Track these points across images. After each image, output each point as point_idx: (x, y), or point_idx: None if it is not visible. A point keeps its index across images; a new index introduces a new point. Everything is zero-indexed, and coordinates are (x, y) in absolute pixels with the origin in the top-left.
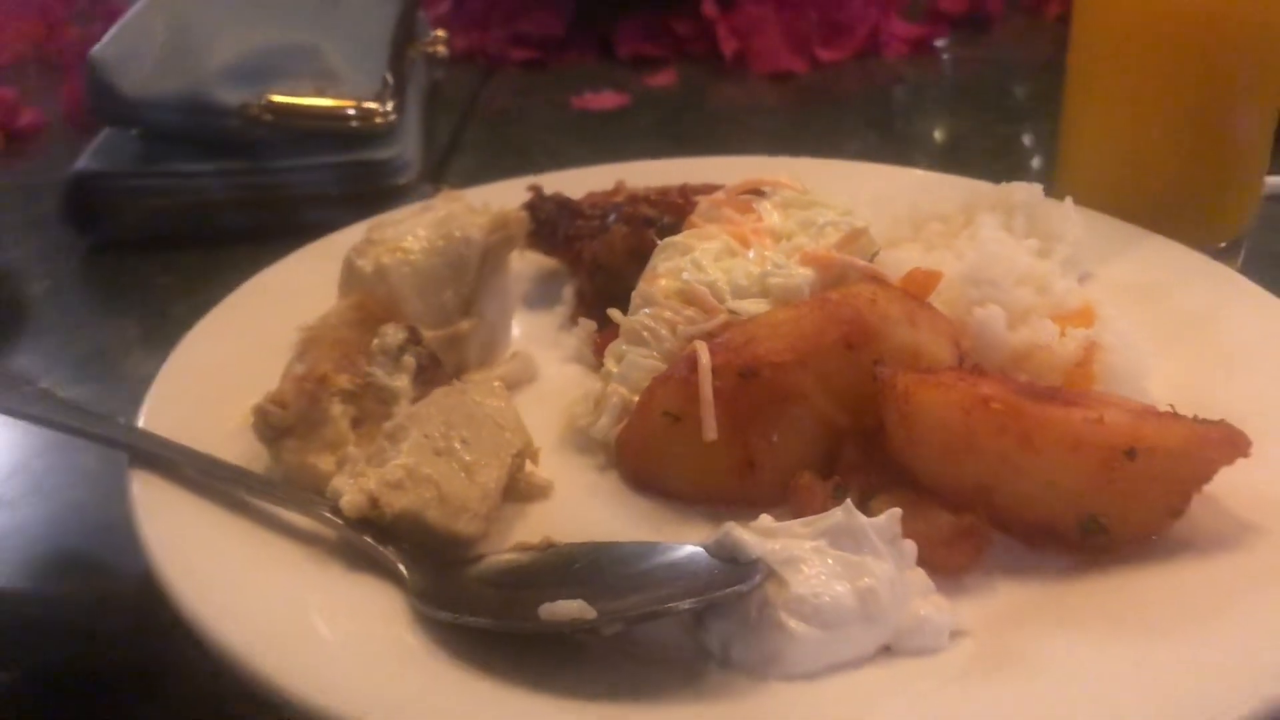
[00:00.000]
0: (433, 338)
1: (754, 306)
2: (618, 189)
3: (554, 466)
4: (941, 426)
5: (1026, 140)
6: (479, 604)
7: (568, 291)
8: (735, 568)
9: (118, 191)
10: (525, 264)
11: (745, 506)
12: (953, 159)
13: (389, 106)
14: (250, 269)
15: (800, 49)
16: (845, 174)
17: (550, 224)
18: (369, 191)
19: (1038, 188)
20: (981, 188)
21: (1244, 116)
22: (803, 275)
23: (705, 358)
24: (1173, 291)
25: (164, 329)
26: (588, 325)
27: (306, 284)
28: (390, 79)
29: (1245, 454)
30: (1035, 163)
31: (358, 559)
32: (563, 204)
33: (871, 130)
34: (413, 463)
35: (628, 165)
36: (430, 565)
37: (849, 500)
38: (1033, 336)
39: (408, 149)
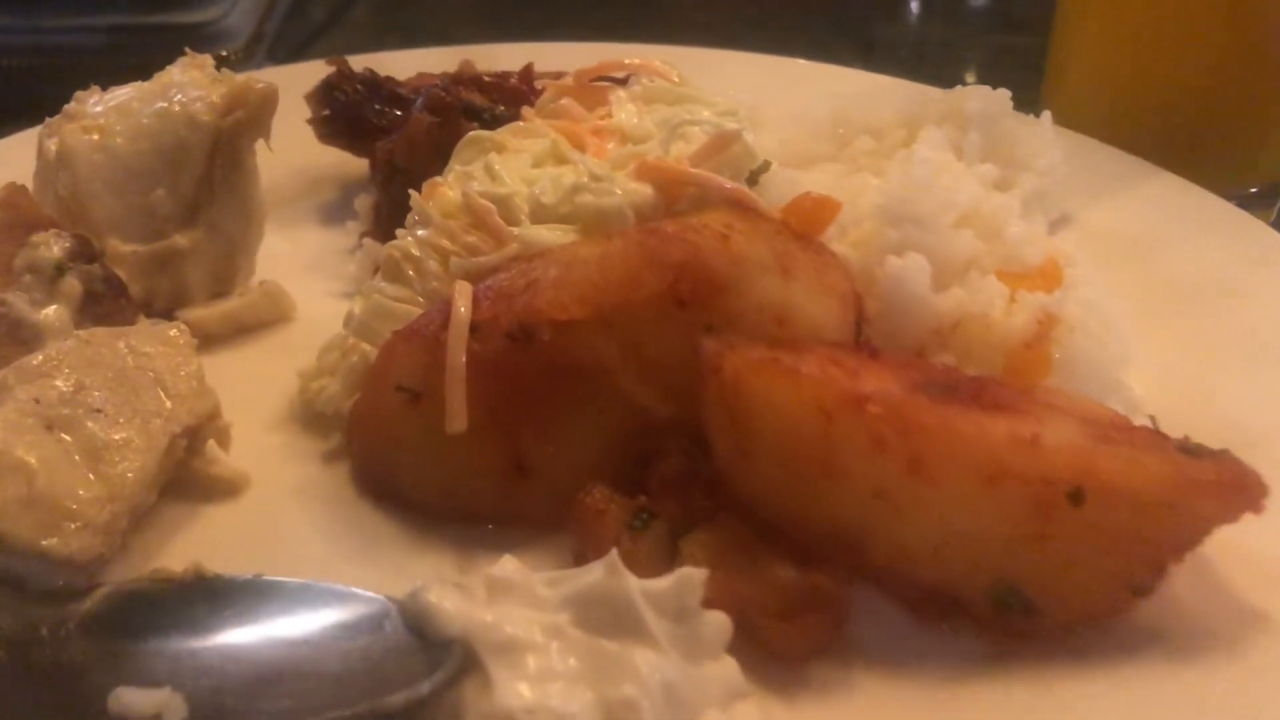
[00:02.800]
0: (131, 254)
1: (551, 235)
2: (461, 71)
3: (264, 450)
4: (788, 436)
5: (1023, 51)
6: (51, 672)
7: (361, 203)
8: (423, 652)
9: None
10: (327, 163)
11: (511, 526)
12: (935, 74)
13: None
14: None
15: None
16: (749, 69)
17: (353, 110)
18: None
19: (1004, 94)
20: (931, 94)
21: None
22: (629, 193)
23: (464, 307)
24: (1177, 248)
25: None
26: (372, 249)
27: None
28: None
29: (1257, 508)
30: (1032, 79)
31: None
32: (373, 85)
33: (835, 32)
34: None
35: (479, 48)
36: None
37: (614, 553)
38: (968, 300)
39: (233, 14)
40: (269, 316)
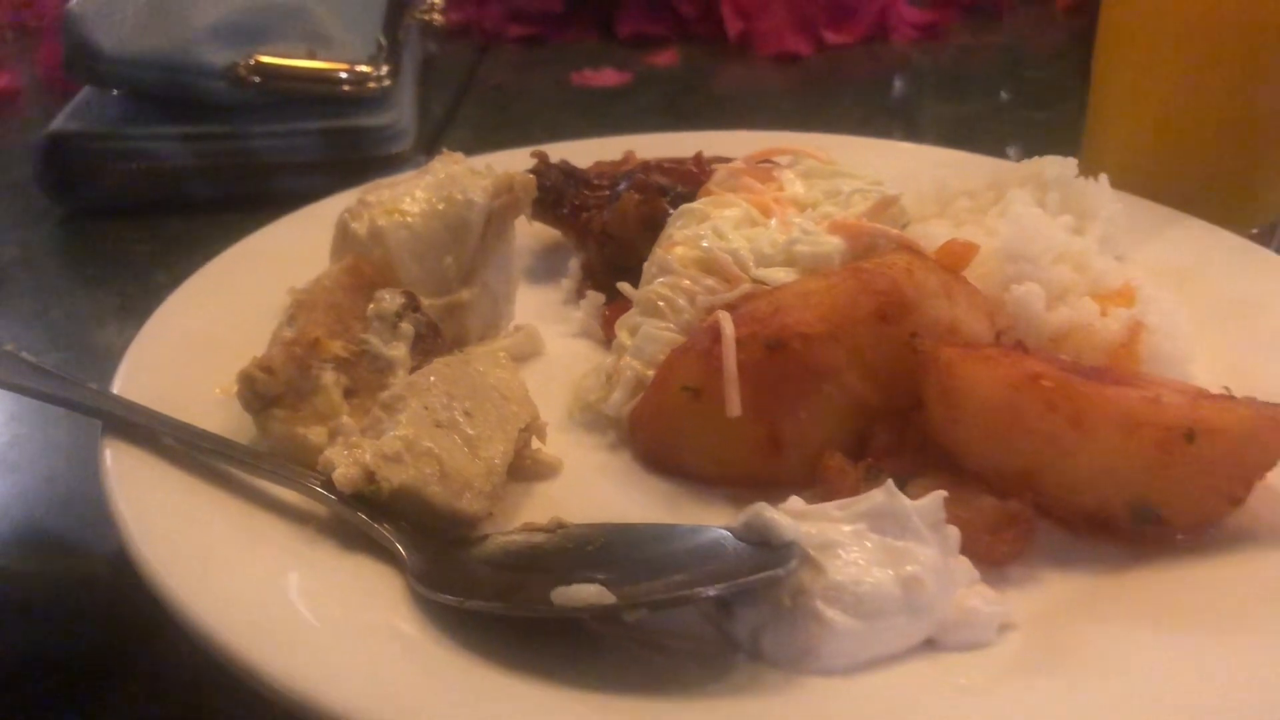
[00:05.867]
0: (431, 306)
1: (780, 276)
2: (627, 159)
3: (562, 444)
4: (987, 404)
5: (1044, 124)
6: (485, 587)
7: (573, 264)
8: (766, 552)
9: (95, 154)
10: (525, 237)
11: (769, 488)
12: (968, 143)
13: (383, 71)
14: (234, 238)
15: (807, 31)
16: (864, 150)
17: (556, 193)
18: (360, 160)
19: (1071, 162)
20: (1008, 165)
21: None
22: (832, 243)
23: (729, 328)
24: (1210, 275)
25: (142, 298)
26: (596, 298)
27: (296, 249)
28: (384, 42)
29: None
30: (1055, 147)
31: (351, 538)
32: (569, 172)
33: (881, 115)
34: (412, 435)
35: (636, 138)
36: (431, 546)
37: (890, 481)
38: (1073, 316)
39: (402, 117)
40: (529, 351)
